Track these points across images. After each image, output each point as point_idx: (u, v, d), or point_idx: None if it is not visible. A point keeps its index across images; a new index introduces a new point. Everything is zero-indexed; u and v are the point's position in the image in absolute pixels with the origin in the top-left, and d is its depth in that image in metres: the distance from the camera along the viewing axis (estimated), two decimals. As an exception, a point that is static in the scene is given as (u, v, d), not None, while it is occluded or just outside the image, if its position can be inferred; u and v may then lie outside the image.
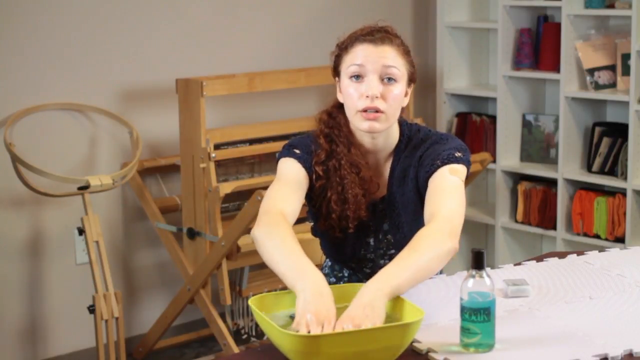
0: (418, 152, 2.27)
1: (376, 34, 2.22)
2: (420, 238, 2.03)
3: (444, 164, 2.20)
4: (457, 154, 2.22)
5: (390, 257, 2.33)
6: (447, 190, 2.15)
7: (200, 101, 3.66)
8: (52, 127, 3.80)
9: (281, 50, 4.38)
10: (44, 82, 3.75)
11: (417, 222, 2.22)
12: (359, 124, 2.22)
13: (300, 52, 4.42)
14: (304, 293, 1.89)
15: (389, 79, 2.19)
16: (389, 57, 2.19)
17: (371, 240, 2.35)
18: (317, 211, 2.32)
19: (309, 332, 1.82)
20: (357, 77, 2.20)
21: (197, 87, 3.65)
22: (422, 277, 1.99)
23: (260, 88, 3.88)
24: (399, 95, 2.21)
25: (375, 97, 2.17)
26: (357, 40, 2.22)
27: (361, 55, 2.20)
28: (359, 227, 2.31)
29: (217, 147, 3.79)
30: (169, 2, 4.04)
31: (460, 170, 2.20)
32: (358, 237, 2.34)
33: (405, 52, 2.24)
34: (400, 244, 2.26)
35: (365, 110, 2.19)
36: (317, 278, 1.93)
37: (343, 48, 2.25)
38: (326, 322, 1.84)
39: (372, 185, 2.29)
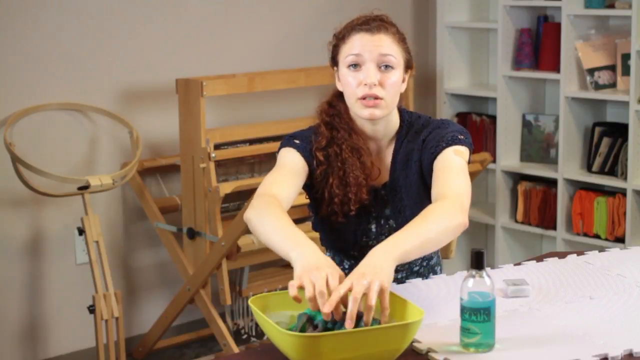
0: (421, 136, 2.30)
1: (372, 23, 2.25)
2: (432, 210, 2.06)
3: (448, 145, 2.23)
4: (460, 136, 2.25)
5: None
6: (454, 170, 2.18)
7: (200, 101, 3.66)
8: (52, 127, 3.80)
9: (281, 50, 4.38)
10: (44, 82, 3.76)
11: (419, 205, 2.24)
12: (359, 111, 2.25)
13: (300, 52, 4.42)
14: (301, 259, 1.90)
15: (386, 66, 2.23)
16: (385, 45, 2.23)
17: (373, 227, 2.37)
18: (319, 197, 2.33)
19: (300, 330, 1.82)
20: (355, 66, 2.24)
21: (197, 87, 3.65)
22: (430, 247, 2.01)
23: (260, 88, 3.89)
24: (397, 81, 2.24)
25: (373, 84, 2.21)
26: (354, 29, 2.26)
27: (358, 44, 2.23)
28: (361, 212, 2.33)
29: (217, 147, 3.80)
30: (169, 2, 4.04)
31: (464, 151, 2.24)
32: (359, 223, 2.35)
33: (401, 40, 2.28)
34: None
35: (364, 98, 2.22)
36: (312, 246, 1.94)
37: (340, 38, 2.29)
38: (330, 276, 1.84)
39: (373, 170, 2.31)
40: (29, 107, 3.70)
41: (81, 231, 3.60)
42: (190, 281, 3.84)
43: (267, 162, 4.04)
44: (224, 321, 3.94)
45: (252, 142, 3.93)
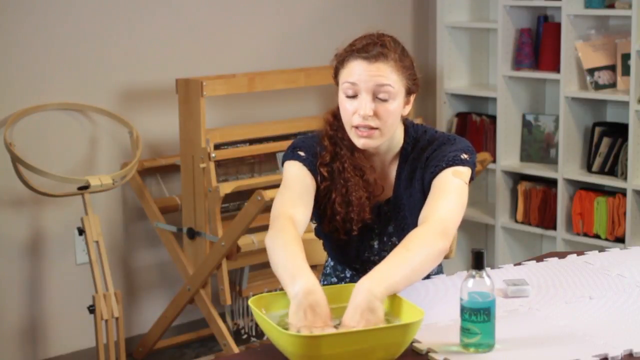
0: (425, 153, 2.27)
1: (371, 50, 2.19)
2: (413, 238, 2.04)
3: (448, 165, 2.20)
4: (463, 156, 2.22)
5: None
6: (446, 192, 2.16)
7: (200, 101, 3.66)
8: (52, 127, 3.80)
9: (281, 50, 4.38)
10: (44, 82, 3.75)
11: None
12: (354, 140, 2.24)
13: (300, 52, 4.42)
14: (297, 299, 1.90)
15: (383, 99, 2.18)
16: (383, 76, 2.17)
17: (375, 243, 2.36)
18: (321, 212, 2.32)
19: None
20: (352, 94, 2.20)
21: (197, 87, 3.65)
22: (415, 277, 2.00)
23: (260, 88, 3.88)
24: (395, 110, 2.20)
25: (368, 116, 2.17)
26: (352, 55, 2.20)
27: (355, 73, 2.18)
28: (364, 229, 2.32)
29: (217, 147, 3.79)
30: (169, 2, 4.04)
31: (464, 172, 2.20)
32: (362, 239, 2.34)
33: (403, 67, 2.21)
34: None
35: (358, 127, 2.20)
36: (311, 284, 1.92)
37: (340, 61, 2.24)
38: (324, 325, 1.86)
39: (376, 188, 2.29)
40: (29, 107, 3.70)
41: (81, 231, 3.60)
42: (190, 281, 3.84)
43: (267, 162, 4.04)
44: (224, 321, 3.94)
45: (252, 142, 3.93)
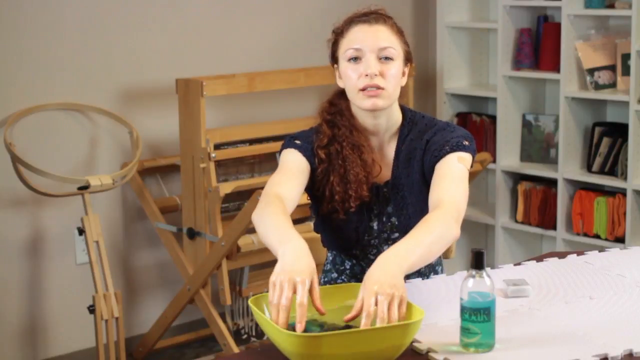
0: (425, 136, 2.30)
1: (370, 15, 2.28)
2: (432, 219, 2.06)
3: (452, 150, 2.23)
4: (465, 142, 2.25)
5: (394, 242, 2.34)
6: (454, 178, 2.19)
7: (200, 101, 3.66)
8: (52, 127, 3.80)
9: (281, 50, 4.38)
10: (44, 82, 3.76)
11: (420, 203, 2.26)
12: (361, 102, 2.25)
13: (300, 52, 4.42)
14: (283, 257, 1.92)
15: (386, 57, 2.24)
16: (384, 37, 2.24)
17: (375, 224, 2.37)
18: (320, 195, 2.33)
19: (304, 331, 1.82)
20: (355, 59, 2.25)
21: (197, 87, 3.66)
22: (429, 258, 2.02)
23: (260, 88, 3.89)
24: (397, 73, 2.25)
25: (374, 75, 2.22)
26: (352, 22, 2.29)
27: (357, 37, 2.25)
28: (362, 210, 2.33)
29: (217, 147, 3.80)
30: (169, 2, 4.04)
31: (467, 158, 2.24)
32: (361, 221, 2.35)
33: (399, 32, 2.29)
34: (404, 226, 2.32)
35: (365, 89, 2.23)
36: (300, 244, 1.95)
37: (339, 33, 2.31)
38: (300, 284, 1.85)
39: (374, 167, 2.32)
40: (29, 107, 3.70)
41: (81, 231, 3.60)
42: (190, 281, 3.84)
43: (267, 162, 4.04)
44: (224, 321, 3.94)
45: (252, 142, 3.93)
